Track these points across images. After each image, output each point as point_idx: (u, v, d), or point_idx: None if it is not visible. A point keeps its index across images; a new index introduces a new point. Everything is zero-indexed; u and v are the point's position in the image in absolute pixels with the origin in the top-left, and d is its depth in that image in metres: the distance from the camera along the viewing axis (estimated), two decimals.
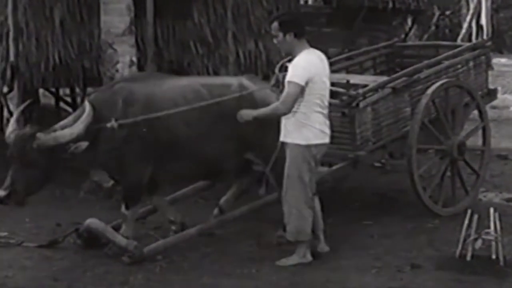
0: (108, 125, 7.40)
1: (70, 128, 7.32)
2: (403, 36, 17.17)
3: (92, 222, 7.72)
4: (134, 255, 7.37)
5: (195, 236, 7.82)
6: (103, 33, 10.35)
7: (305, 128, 7.26)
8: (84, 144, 7.26)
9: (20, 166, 7.27)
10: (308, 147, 7.30)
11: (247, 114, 7.37)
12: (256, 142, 7.81)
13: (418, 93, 8.99)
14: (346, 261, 7.52)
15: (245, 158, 7.99)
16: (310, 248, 7.54)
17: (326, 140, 7.42)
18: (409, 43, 14.49)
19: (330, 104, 8.33)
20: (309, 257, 7.49)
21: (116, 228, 7.79)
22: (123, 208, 7.78)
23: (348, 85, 8.54)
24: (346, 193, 10.05)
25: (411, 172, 8.72)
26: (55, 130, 7.37)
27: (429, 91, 8.86)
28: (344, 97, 8.36)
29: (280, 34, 7.33)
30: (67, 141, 7.23)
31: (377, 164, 10.64)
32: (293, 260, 7.46)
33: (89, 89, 9.80)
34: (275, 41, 7.44)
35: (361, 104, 8.44)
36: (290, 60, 7.51)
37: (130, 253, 7.37)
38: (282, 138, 7.41)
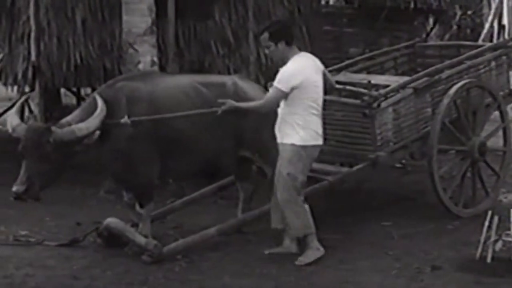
0: (122, 121, 7.43)
1: (86, 122, 7.29)
2: (424, 36, 17.07)
3: (111, 221, 7.75)
4: (154, 254, 7.38)
5: (215, 236, 7.82)
6: (125, 33, 10.38)
7: (302, 130, 7.37)
8: (96, 134, 7.28)
9: (34, 160, 7.20)
10: (304, 147, 7.38)
11: (230, 103, 7.49)
12: (250, 140, 8.00)
13: (440, 93, 8.96)
14: (366, 262, 7.50)
15: (241, 155, 8.13)
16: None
17: (321, 141, 7.53)
18: (431, 43, 14.39)
19: (351, 104, 8.40)
20: (322, 249, 7.52)
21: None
22: (137, 207, 7.80)
23: (369, 86, 8.52)
24: (366, 194, 10.03)
25: (431, 173, 8.69)
26: (65, 124, 7.36)
27: (451, 91, 8.83)
28: (365, 98, 8.34)
29: (272, 44, 7.44)
30: (83, 135, 7.22)
31: (397, 165, 10.61)
32: (309, 256, 7.47)
33: None
34: (266, 51, 7.58)
35: (383, 105, 8.43)
36: None
37: (150, 252, 7.39)
38: (279, 140, 7.51)
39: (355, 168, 8.53)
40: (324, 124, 7.60)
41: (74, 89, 14.81)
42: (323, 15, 13.23)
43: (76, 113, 7.63)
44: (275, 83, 7.39)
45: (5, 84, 11.67)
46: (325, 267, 7.36)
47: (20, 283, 6.92)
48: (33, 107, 12.04)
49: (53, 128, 7.23)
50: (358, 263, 7.47)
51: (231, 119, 7.76)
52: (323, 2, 14.61)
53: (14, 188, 7.17)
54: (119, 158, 7.58)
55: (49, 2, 10.88)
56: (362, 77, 9.39)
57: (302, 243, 7.63)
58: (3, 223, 8.68)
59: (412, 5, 14.77)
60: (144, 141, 7.60)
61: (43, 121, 10.65)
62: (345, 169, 8.65)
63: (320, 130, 7.49)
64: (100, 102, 7.42)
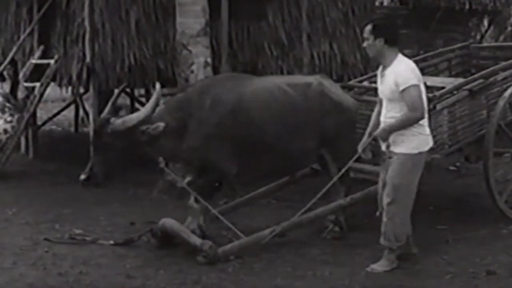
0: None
1: (137, 112, 7.69)
2: (479, 37, 16.92)
3: (166, 221, 7.79)
4: (209, 255, 7.39)
5: (269, 237, 7.80)
6: (178, 35, 10.43)
7: (417, 137, 7.13)
8: (161, 125, 7.44)
9: (97, 150, 7.77)
10: (419, 154, 7.21)
11: (383, 132, 7.19)
12: (332, 139, 8.03)
13: (495, 95, 8.85)
14: (420, 266, 7.44)
15: (319, 153, 8.20)
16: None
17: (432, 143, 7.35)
18: (485, 44, 14.27)
19: None
20: (396, 263, 7.39)
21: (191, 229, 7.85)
22: (191, 200, 7.83)
23: (424, 87, 8.43)
24: (421, 197, 9.90)
25: (487, 177, 8.58)
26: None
27: (506, 93, 8.72)
28: None
29: (371, 38, 7.15)
30: (134, 124, 7.45)
31: (452, 168, 10.51)
32: (383, 265, 7.34)
33: (164, 90, 9.95)
34: (364, 44, 7.26)
35: (437, 107, 8.35)
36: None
37: (205, 253, 7.40)
38: (387, 148, 7.22)
39: None
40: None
41: (128, 90, 14.93)
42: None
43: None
44: (407, 83, 6.99)
45: (59, 85, 11.82)
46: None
47: (74, 281, 6.98)
48: (87, 108, 12.17)
49: (112, 119, 7.53)
50: (413, 266, 7.41)
51: (316, 118, 7.88)
52: (377, 3, 14.53)
53: (80, 177, 7.82)
54: (196, 154, 7.72)
55: (104, 4, 10.99)
56: None
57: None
58: (58, 222, 8.78)
59: (467, 6, 14.64)
60: (223, 140, 7.69)
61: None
62: None
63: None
64: (156, 91, 7.64)
